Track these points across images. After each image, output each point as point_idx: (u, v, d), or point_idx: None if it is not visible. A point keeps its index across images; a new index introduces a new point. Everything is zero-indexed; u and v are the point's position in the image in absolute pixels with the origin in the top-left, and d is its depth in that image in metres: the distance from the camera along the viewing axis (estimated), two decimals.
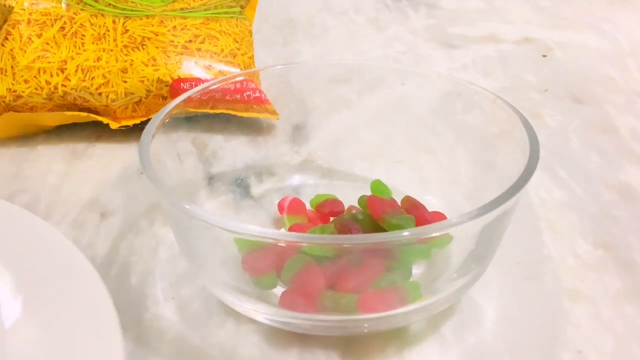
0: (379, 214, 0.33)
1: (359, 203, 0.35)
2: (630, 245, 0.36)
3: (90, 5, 0.47)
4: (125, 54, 0.45)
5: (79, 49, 0.45)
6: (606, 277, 0.34)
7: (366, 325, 0.29)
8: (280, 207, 0.37)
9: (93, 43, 0.45)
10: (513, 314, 0.32)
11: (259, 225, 0.32)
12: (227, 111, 0.42)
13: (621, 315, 0.32)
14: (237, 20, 0.49)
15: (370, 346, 0.30)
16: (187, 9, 0.48)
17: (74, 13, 0.46)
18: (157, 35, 0.46)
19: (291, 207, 0.37)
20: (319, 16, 0.67)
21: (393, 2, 0.70)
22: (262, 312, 0.30)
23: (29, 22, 0.45)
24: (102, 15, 0.46)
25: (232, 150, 0.42)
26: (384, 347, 0.30)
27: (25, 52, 0.44)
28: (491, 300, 0.33)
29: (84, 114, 0.45)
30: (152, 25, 0.46)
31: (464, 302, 0.32)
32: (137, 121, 0.45)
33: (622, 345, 0.30)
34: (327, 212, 0.36)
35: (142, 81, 0.45)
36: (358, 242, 0.27)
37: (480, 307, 0.32)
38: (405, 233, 0.27)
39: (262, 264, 0.30)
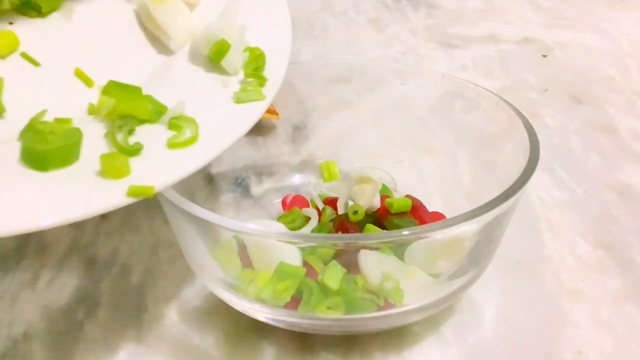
0: (383, 213, 0.33)
1: None
2: (630, 245, 0.36)
3: None
4: None
5: None
6: (606, 277, 0.34)
7: (364, 324, 0.29)
8: (284, 203, 0.37)
9: None
10: (513, 314, 0.32)
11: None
12: None
13: (621, 315, 0.32)
14: None
15: (371, 346, 0.30)
16: None
17: None
18: None
19: (293, 204, 0.37)
20: (319, 16, 0.67)
21: (393, 2, 0.70)
22: (260, 310, 0.30)
23: None
24: None
25: (232, 150, 0.41)
26: (384, 347, 0.30)
27: None
28: (491, 300, 0.33)
29: None
30: None
31: (464, 302, 0.32)
32: None
33: (622, 345, 0.30)
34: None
35: None
36: (352, 241, 0.27)
37: (480, 307, 0.32)
38: (405, 232, 0.27)
39: None
